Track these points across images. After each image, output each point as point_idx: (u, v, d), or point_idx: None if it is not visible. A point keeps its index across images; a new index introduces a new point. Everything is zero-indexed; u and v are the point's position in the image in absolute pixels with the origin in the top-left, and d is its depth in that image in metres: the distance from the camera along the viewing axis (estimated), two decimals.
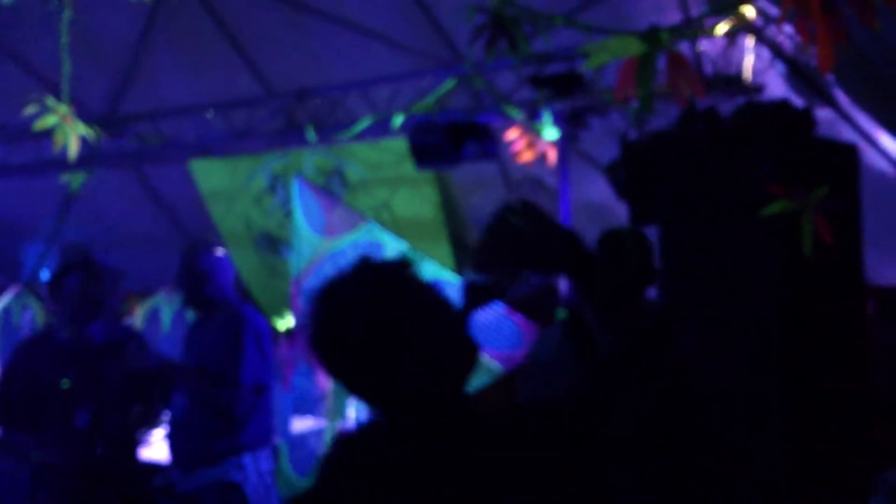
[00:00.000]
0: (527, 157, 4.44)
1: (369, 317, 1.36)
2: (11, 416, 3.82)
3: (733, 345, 2.42)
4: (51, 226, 5.52)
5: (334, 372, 1.42)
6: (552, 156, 4.36)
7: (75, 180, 5.26)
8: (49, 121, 3.38)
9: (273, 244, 5.78)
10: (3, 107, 5.15)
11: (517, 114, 4.32)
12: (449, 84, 4.56)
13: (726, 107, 2.84)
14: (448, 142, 4.33)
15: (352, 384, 1.42)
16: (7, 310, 4.90)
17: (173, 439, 3.80)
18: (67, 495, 3.63)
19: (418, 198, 5.33)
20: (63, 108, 3.55)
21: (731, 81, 3.76)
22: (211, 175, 5.69)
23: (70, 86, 4.10)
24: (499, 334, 3.83)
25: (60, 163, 5.17)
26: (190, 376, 3.73)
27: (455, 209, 5.40)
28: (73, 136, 3.43)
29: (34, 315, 4.65)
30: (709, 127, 2.72)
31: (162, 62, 5.40)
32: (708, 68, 3.85)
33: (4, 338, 4.90)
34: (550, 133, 4.20)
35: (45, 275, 4.76)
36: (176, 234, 6.01)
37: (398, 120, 4.68)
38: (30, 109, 3.45)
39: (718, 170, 2.57)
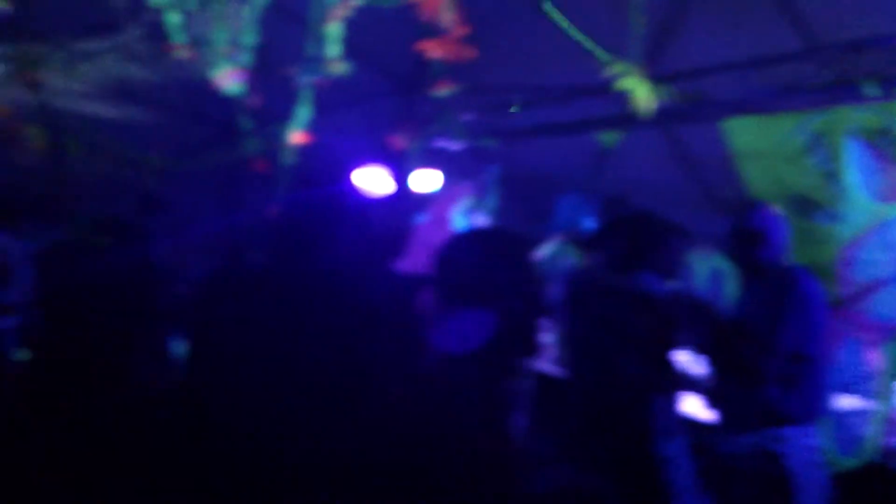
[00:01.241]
0: None
1: None
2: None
3: None
4: (583, 180, 5.85)
5: None
6: None
7: (610, 138, 5.49)
8: (630, 83, 3.53)
9: (807, 207, 5.42)
10: (553, 70, 5.56)
11: None
12: None
13: None
14: None
15: None
16: (552, 256, 5.34)
17: (712, 399, 3.79)
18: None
19: None
20: (631, 69, 3.68)
21: None
22: (746, 134, 5.49)
23: (620, 46, 4.25)
24: None
25: (597, 122, 5.43)
26: (729, 337, 3.67)
27: None
28: (648, 95, 3.54)
29: (573, 262, 5.01)
30: None
31: (697, 17, 5.33)
32: None
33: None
34: None
35: (587, 224, 5.07)
36: (702, 193, 5.97)
37: None
38: (610, 71, 3.63)
39: None
